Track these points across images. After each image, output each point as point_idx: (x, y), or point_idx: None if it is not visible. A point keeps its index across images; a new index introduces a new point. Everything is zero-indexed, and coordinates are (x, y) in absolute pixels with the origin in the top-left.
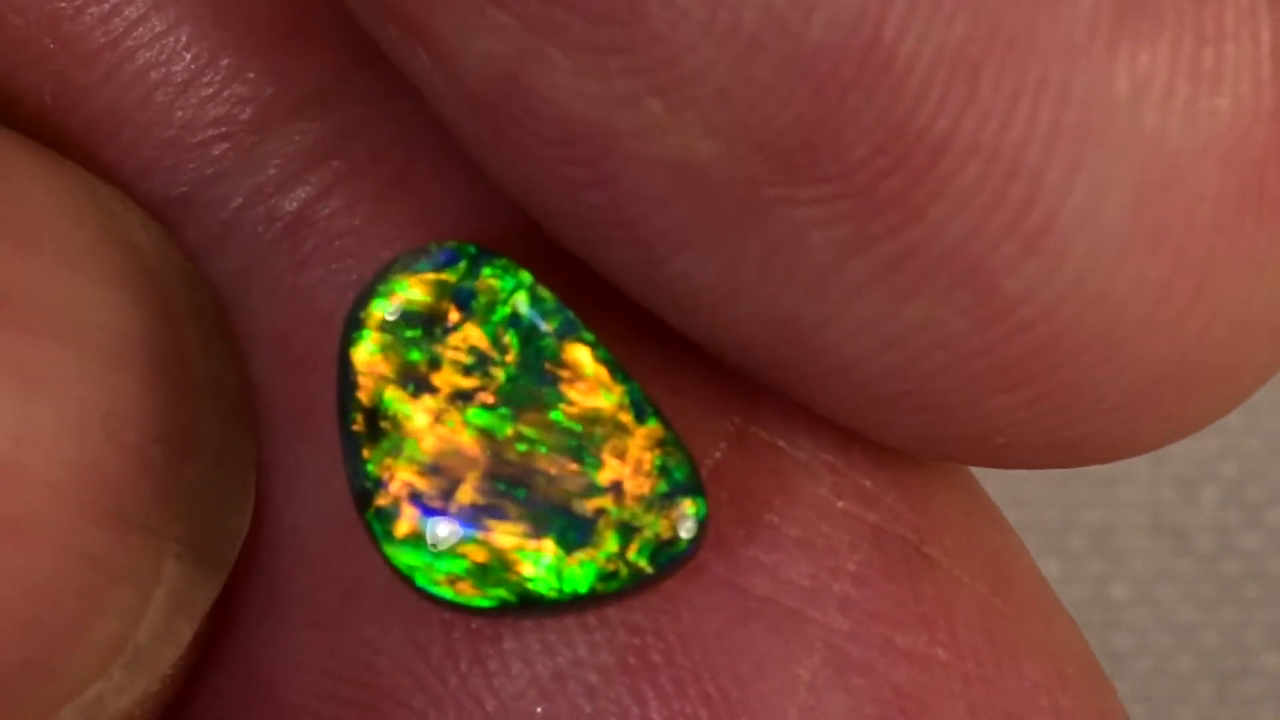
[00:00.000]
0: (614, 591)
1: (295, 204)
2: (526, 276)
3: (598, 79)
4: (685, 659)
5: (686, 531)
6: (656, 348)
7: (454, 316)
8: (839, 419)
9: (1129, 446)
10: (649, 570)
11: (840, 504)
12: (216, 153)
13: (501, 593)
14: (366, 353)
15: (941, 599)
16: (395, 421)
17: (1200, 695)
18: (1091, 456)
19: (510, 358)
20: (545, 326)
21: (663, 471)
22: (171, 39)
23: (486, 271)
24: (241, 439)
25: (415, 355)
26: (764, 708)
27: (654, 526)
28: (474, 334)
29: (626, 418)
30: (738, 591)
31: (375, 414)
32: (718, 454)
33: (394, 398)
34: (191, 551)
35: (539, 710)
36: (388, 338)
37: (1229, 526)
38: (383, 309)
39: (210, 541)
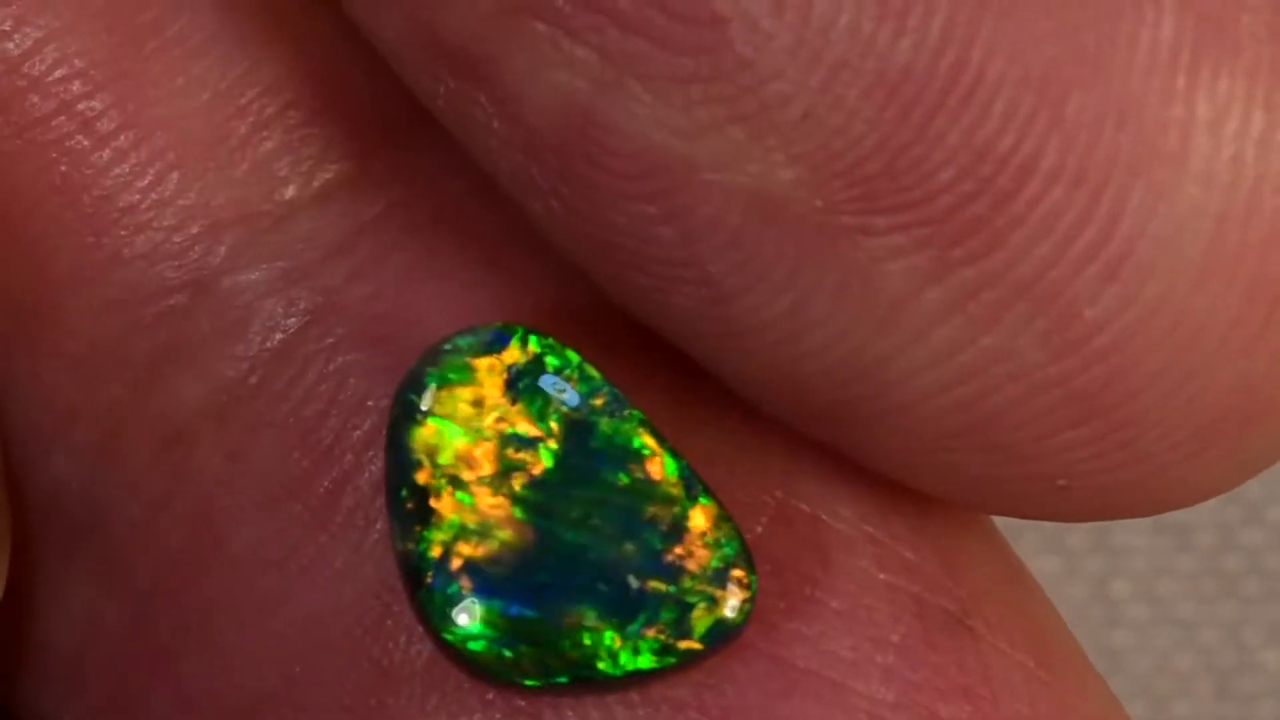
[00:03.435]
0: (666, 668)
1: (322, 290)
2: (574, 356)
3: (678, 109)
4: None
5: (737, 607)
6: (697, 423)
7: (505, 396)
8: (893, 468)
9: (1186, 492)
10: (701, 645)
11: (882, 576)
12: (232, 238)
13: (559, 675)
14: (419, 434)
15: (985, 670)
16: (448, 501)
17: (1200, 692)
18: (1147, 503)
19: (560, 437)
20: (594, 404)
21: (715, 547)
22: (190, 120)
23: (534, 351)
24: None
25: (467, 436)
26: None
27: (706, 601)
28: (523, 414)
29: (677, 493)
30: (780, 664)
31: (427, 494)
32: (759, 528)
33: (446, 478)
34: None
35: None
36: (438, 421)
37: (1229, 523)
38: (434, 391)
39: None
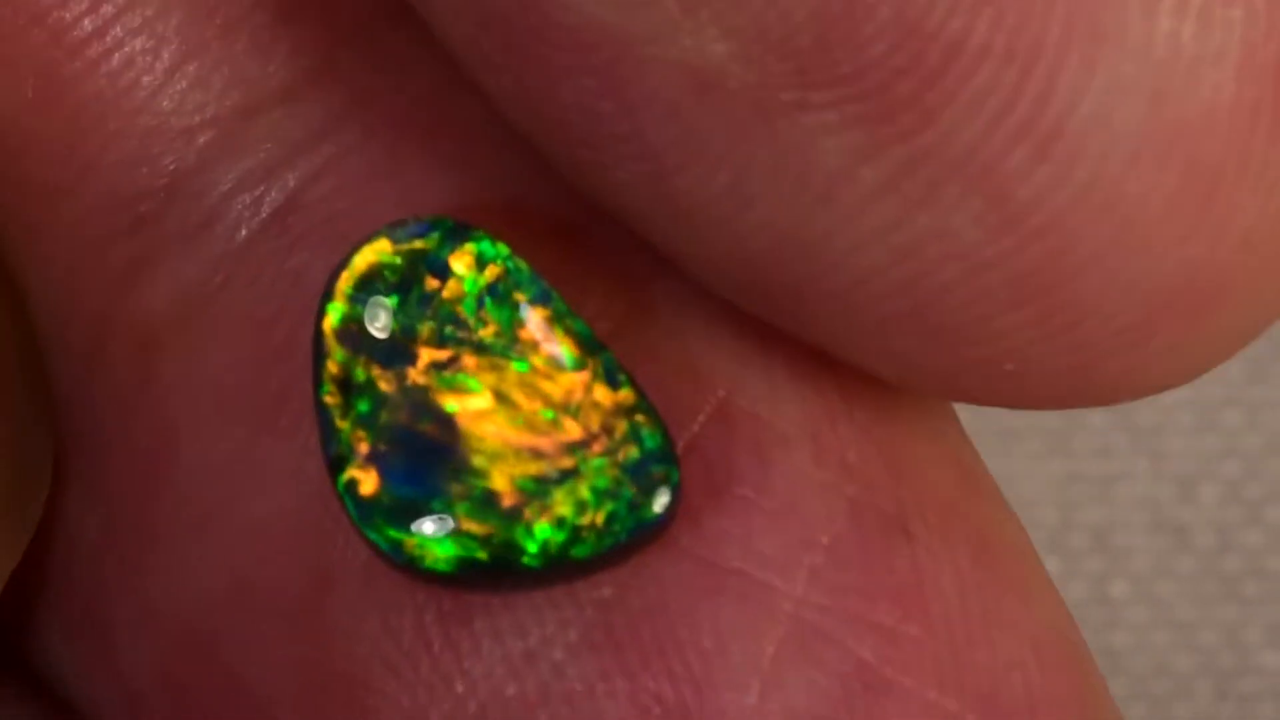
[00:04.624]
0: (586, 558)
1: (284, 189)
2: (503, 248)
3: None
4: (650, 635)
5: (659, 498)
6: (647, 319)
7: (429, 285)
8: (844, 351)
9: (1138, 380)
10: (621, 536)
11: (819, 476)
12: (203, 140)
13: (472, 548)
14: (338, 321)
15: (916, 573)
16: (367, 390)
17: (1200, 693)
18: (1100, 389)
19: (485, 327)
20: (520, 296)
21: (635, 439)
22: (160, 25)
23: (462, 243)
24: (39, 401)
25: (387, 322)
26: (727, 681)
27: (625, 493)
28: (448, 303)
29: (600, 386)
30: (705, 564)
31: (348, 383)
32: (696, 425)
33: (366, 366)
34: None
35: (509, 690)
36: (360, 307)
37: (1229, 524)
38: (355, 277)
39: (16, 502)
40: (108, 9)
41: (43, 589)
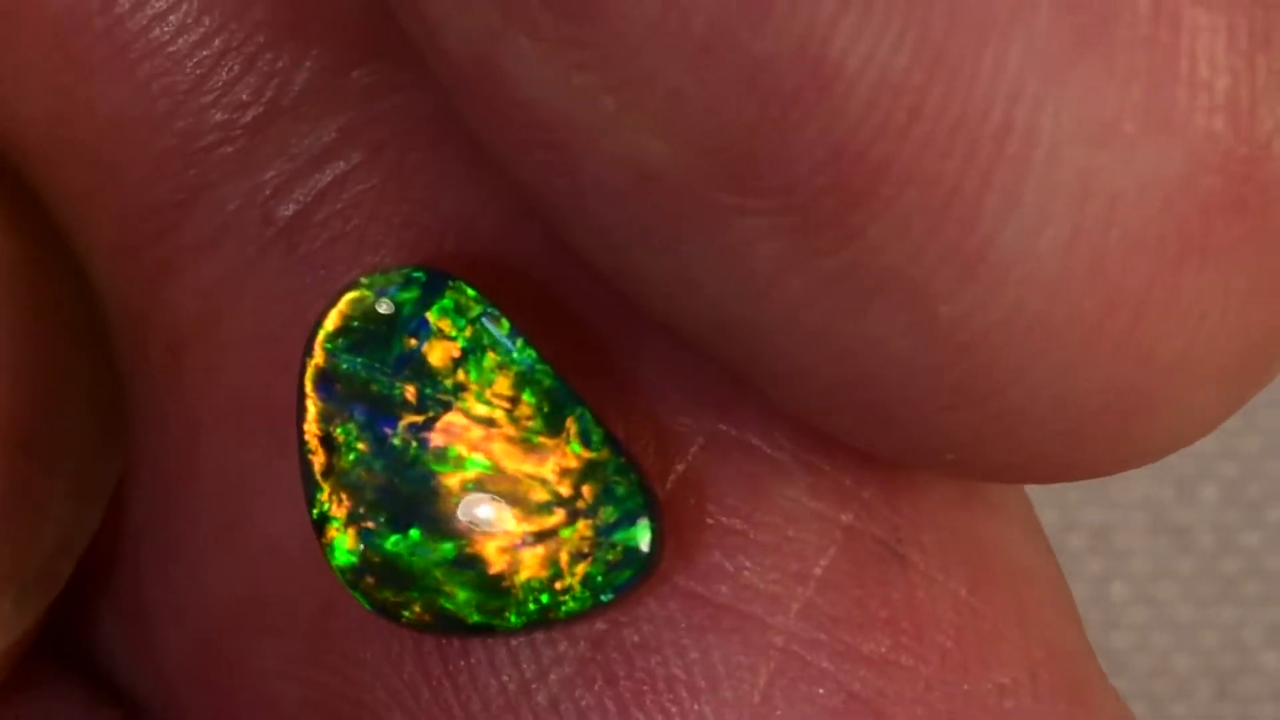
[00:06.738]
0: (569, 616)
1: (293, 207)
2: (479, 304)
3: (559, 71)
4: (643, 671)
5: (638, 556)
6: (634, 348)
7: (408, 344)
8: (802, 418)
9: (1080, 470)
10: (602, 594)
11: (813, 505)
12: (218, 157)
13: (454, 610)
14: (318, 377)
15: (911, 602)
16: (347, 449)
17: (1199, 694)
18: (1044, 476)
19: (463, 387)
20: (496, 355)
21: (611, 498)
22: (174, 47)
23: (441, 298)
24: (113, 382)
25: (365, 380)
26: (719, 718)
27: (604, 554)
28: (425, 361)
29: (575, 445)
30: (697, 599)
31: (329, 440)
32: (690, 455)
33: (345, 425)
34: (76, 488)
35: None
36: (340, 364)
37: (1228, 525)
38: (332, 335)
39: (90, 480)
40: (121, 34)
41: (93, 568)
